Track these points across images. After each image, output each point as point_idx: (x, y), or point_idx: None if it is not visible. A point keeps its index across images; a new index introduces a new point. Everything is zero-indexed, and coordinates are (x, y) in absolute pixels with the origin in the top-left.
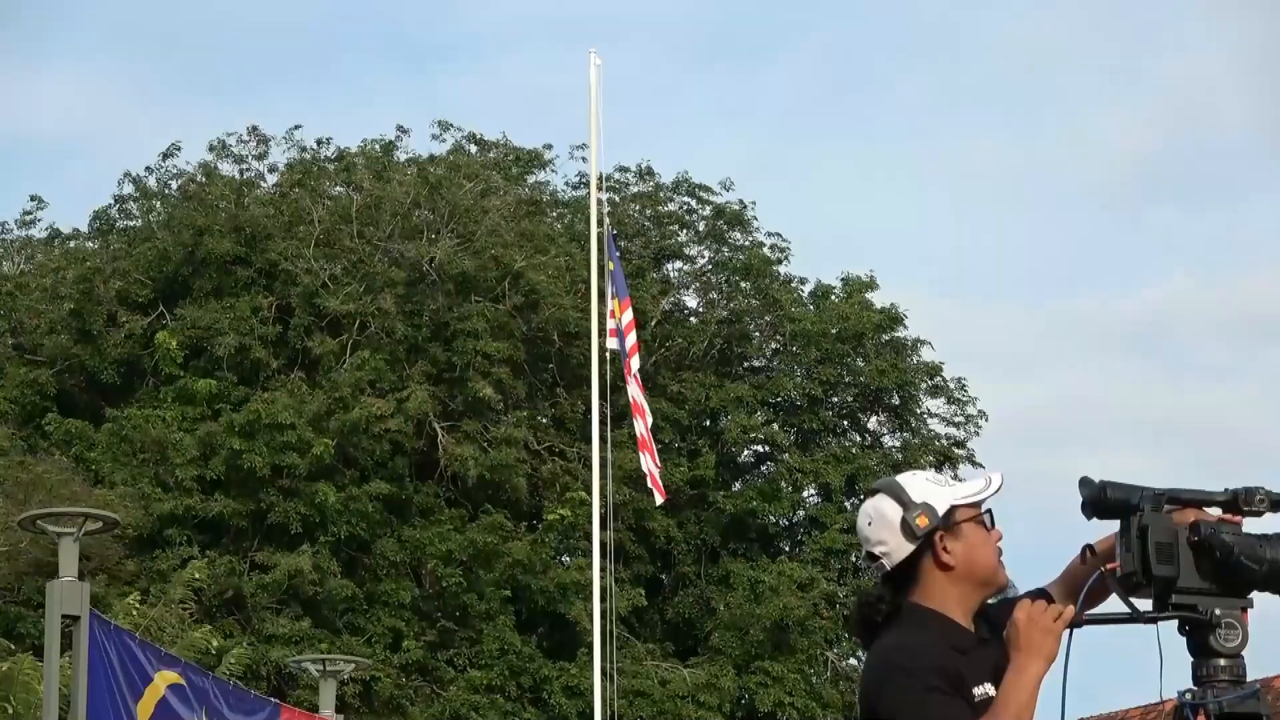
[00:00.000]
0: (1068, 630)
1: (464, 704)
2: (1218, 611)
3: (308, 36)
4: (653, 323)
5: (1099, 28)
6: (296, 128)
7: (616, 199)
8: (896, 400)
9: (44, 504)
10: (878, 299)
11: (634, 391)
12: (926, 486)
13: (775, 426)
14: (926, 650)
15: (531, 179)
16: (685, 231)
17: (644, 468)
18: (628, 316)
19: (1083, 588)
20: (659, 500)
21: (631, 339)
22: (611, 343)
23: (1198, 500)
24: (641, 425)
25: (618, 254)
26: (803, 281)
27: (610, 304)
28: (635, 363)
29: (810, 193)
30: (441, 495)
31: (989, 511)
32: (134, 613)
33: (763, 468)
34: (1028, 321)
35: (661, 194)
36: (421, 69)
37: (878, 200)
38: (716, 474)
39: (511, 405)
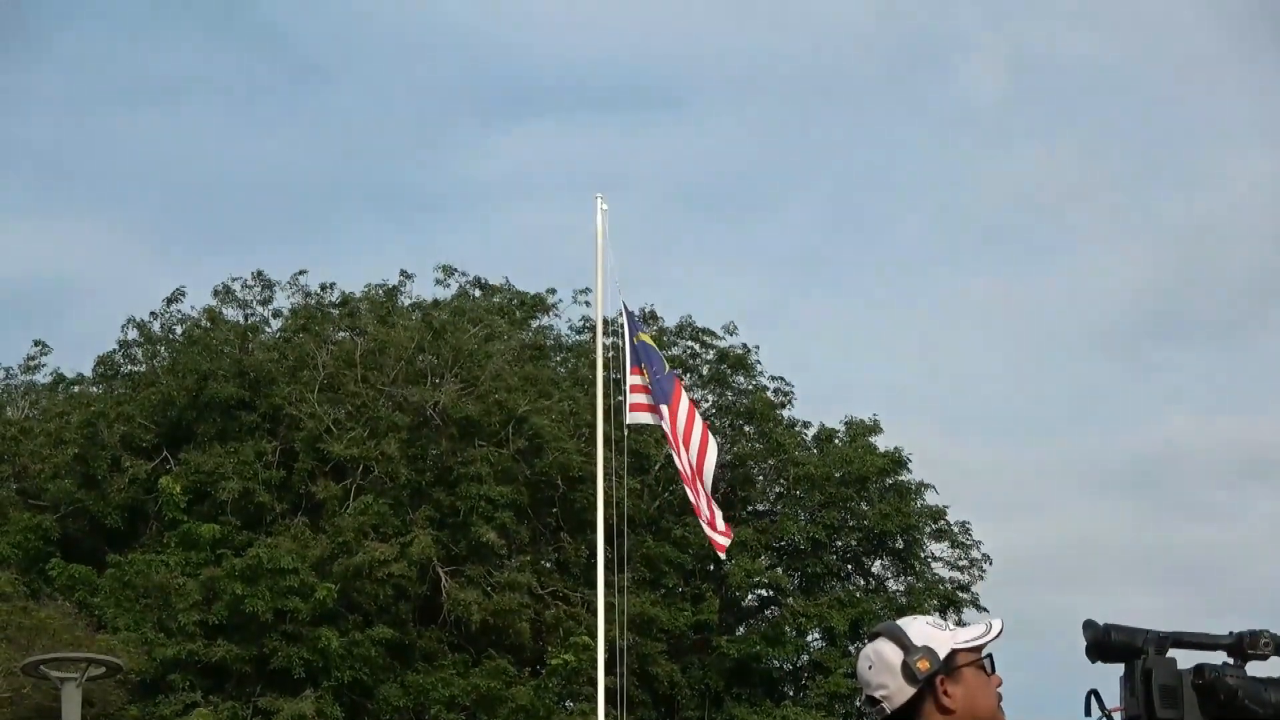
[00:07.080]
0: None
1: None
2: None
3: (314, 185)
4: (656, 467)
5: (1098, 169)
6: (301, 273)
7: (620, 343)
8: (900, 544)
9: (47, 649)
10: (881, 442)
11: (668, 428)
12: (927, 630)
13: (779, 570)
14: None
15: (535, 323)
16: (689, 375)
17: (689, 497)
18: (670, 382)
19: None
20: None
21: (685, 404)
22: (643, 417)
23: (1202, 644)
24: (682, 462)
25: (639, 324)
26: (806, 425)
27: (631, 367)
28: (697, 419)
29: (813, 336)
30: (445, 640)
31: (989, 656)
32: None
33: (766, 612)
34: (1030, 461)
35: (665, 338)
36: (426, 216)
37: (880, 342)
38: (720, 618)
39: (515, 549)
